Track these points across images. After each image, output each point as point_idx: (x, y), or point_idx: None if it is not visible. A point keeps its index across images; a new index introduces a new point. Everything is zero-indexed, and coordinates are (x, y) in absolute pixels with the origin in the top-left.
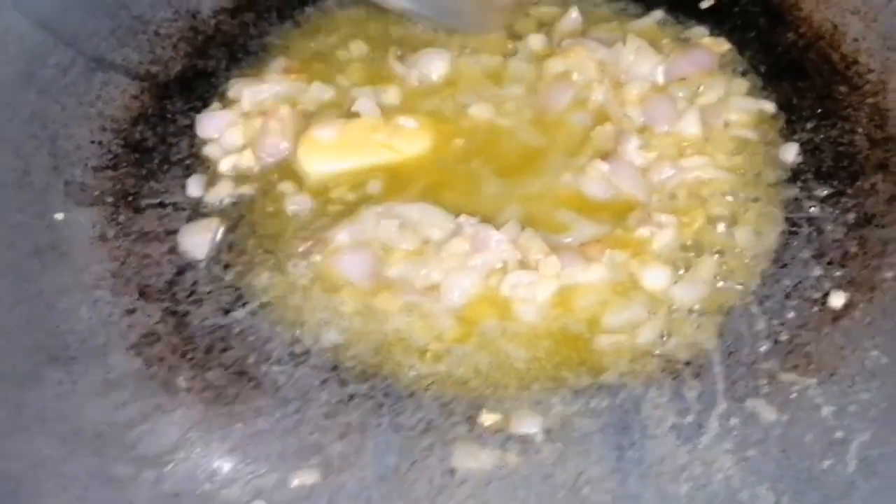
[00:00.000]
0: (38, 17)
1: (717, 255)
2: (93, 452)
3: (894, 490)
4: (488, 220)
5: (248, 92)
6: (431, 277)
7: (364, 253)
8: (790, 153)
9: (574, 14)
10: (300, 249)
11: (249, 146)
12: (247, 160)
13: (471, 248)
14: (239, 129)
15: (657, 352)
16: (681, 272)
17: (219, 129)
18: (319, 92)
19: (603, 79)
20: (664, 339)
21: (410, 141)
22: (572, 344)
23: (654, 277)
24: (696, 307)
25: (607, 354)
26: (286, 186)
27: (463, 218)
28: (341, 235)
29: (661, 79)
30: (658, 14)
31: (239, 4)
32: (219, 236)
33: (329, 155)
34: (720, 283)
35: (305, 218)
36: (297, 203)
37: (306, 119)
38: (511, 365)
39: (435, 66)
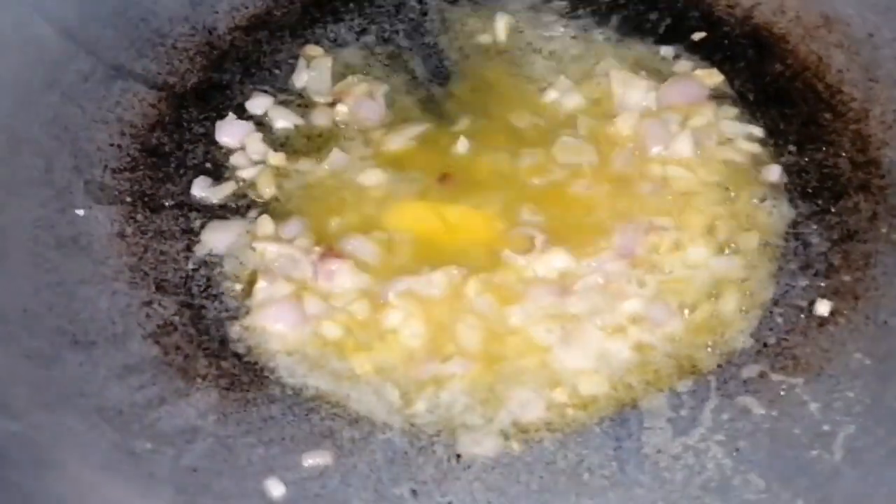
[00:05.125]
0: (61, 26)
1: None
2: (114, 429)
3: (879, 475)
4: None
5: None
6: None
7: None
8: (776, 174)
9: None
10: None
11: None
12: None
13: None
14: (258, 138)
15: (654, 350)
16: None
17: (237, 137)
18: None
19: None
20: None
21: None
22: None
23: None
24: (688, 310)
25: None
26: None
27: None
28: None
29: (653, 105)
30: (668, 49)
31: (253, 23)
32: (238, 236)
33: None
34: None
35: None
36: None
37: None
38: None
39: None
